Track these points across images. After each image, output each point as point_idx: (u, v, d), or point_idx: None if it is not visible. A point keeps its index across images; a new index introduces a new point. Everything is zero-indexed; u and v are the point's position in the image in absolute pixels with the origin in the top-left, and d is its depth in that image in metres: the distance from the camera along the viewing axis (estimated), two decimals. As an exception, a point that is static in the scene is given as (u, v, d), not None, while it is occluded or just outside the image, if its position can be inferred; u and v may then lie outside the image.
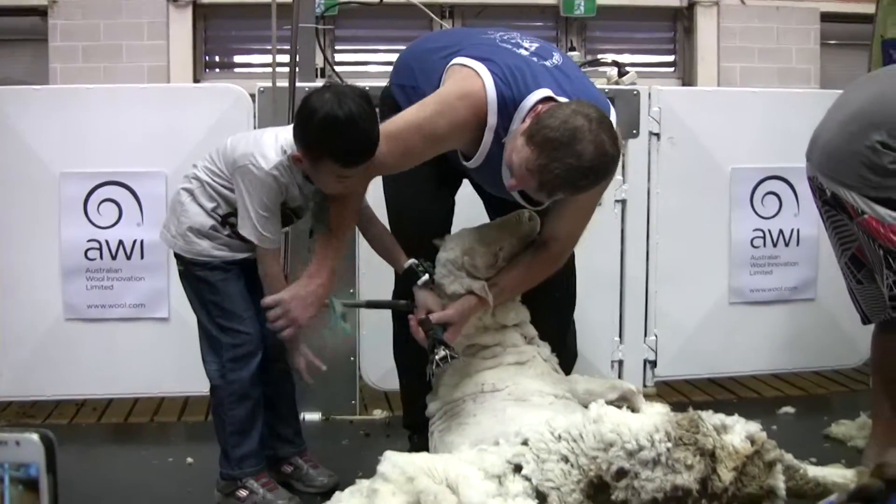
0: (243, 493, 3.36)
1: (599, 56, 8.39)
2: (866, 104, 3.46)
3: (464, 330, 3.42)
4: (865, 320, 3.69)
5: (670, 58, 9.07)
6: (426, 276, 3.41)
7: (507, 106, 3.16)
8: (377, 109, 3.29)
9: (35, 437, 0.82)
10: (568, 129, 2.96)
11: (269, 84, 4.36)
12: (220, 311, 3.36)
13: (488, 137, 3.22)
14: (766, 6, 8.69)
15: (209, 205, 3.31)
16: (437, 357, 3.26)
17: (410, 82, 3.46)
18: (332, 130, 3.05)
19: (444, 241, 3.52)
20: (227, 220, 3.32)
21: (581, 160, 2.95)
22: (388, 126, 3.20)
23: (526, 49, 3.32)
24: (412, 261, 3.43)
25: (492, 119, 3.19)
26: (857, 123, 3.42)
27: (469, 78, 3.20)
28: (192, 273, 3.38)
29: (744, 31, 8.75)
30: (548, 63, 3.28)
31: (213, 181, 3.30)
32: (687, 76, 8.93)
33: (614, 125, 3.12)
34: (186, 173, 3.41)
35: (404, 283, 3.47)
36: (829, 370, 5.07)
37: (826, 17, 8.74)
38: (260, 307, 3.36)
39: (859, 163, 3.39)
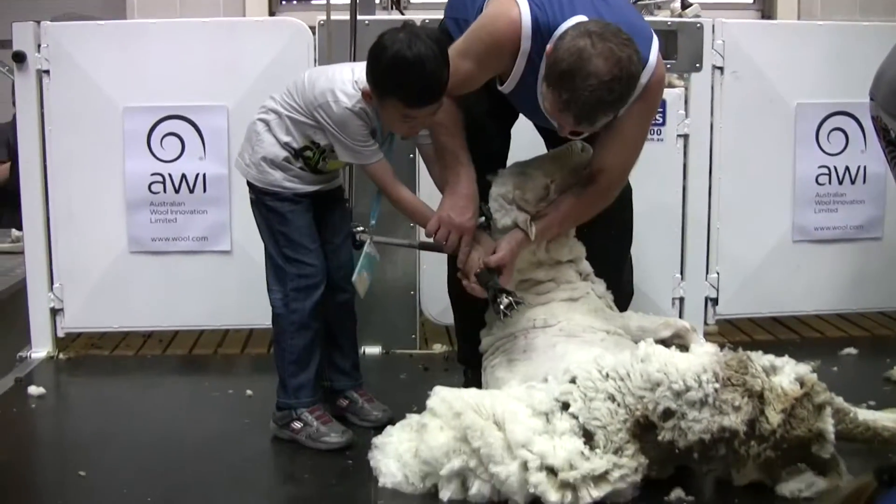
0: (298, 424, 3.42)
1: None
2: None
3: (517, 265, 3.43)
4: None
5: (750, -8, 8.90)
6: (482, 219, 3.41)
7: (542, 31, 3.13)
8: None
9: None
10: (573, 54, 2.94)
11: (329, 16, 4.35)
12: (287, 241, 3.40)
13: (521, 62, 3.20)
14: (853, -66, 8.47)
15: (284, 137, 3.35)
16: (501, 307, 3.26)
17: (462, 15, 3.45)
18: (400, 70, 3.08)
19: (496, 175, 3.51)
20: (301, 153, 3.37)
21: (599, 77, 2.92)
22: None
23: None
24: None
25: (525, 44, 3.17)
26: None
27: (506, 3, 3.19)
28: (263, 202, 3.43)
29: (827, -39, 8.56)
30: None
31: (291, 114, 3.33)
32: (767, 9, 8.74)
33: (651, 47, 3.13)
34: (263, 103, 3.43)
35: None
36: (895, 310, 4.99)
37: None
38: (326, 239, 3.46)
39: None
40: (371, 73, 3.16)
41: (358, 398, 3.63)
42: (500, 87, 3.33)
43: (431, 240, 3.47)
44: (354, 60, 4.13)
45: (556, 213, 3.42)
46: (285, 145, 3.35)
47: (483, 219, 3.42)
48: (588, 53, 2.93)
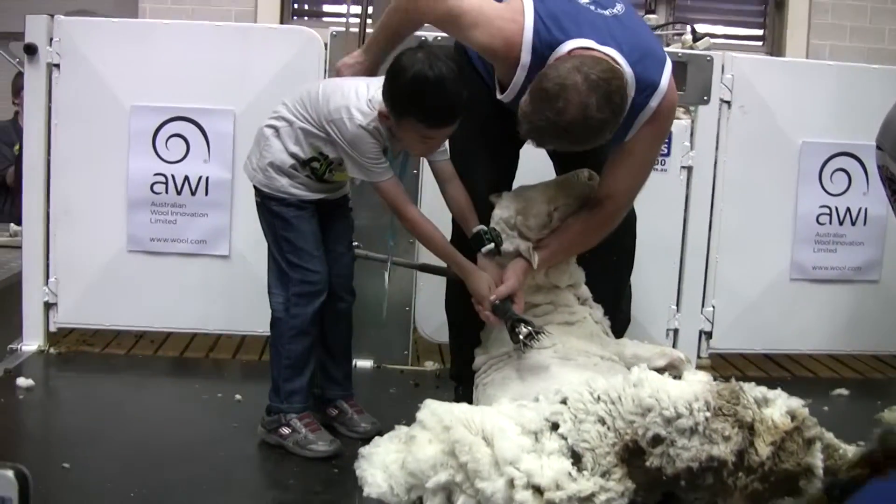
0: (286, 430, 3.41)
1: (695, 28, 8.31)
2: None
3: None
4: None
5: (759, 31, 8.93)
6: (491, 245, 3.41)
7: (542, 48, 3.15)
8: None
9: (10, 473, 0.84)
10: (559, 83, 2.96)
11: (342, 28, 4.36)
12: (291, 247, 3.41)
13: (520, 75, 3.22)
14: (862, -18, 8.52)
15: (292, 147, 3.36)
16: (521, 337, 3.25)
17: None
18: (420, 90, 3.10)
19: (500, 197, 3.52)
20: (308, 163, 3.38)
21: (560, 117, 2.95)
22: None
23: None
24: (481, 227, 3.43)
25: (525, 57, 3.19)
26: None
27: (514, 13, 3.21)
28: (268, 207, 3.43)
29: (836, 8, 8.57)
30: (606, 12, 3.25)
31: (302, 125, 3.34)
32: (775, 51, 8.77)
33: (628, 85, 3.10)
34: (275, 108, 3.44)
35: (471, 246, 3.45)
36: (889, 355, 4.99)
37: (923, -2, 8.54)
38: (328, 247, 3.48)
39: None
40: (390, 93, 3.18)
41: (348, 408, 3.62)
42: (499, 96, 3.34)
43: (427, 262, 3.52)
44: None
45: (560, 241, 3.43)
46: (293, 154, 3.36)
47: (492, 245, 3.41)
48: (569, 93, 2.95)
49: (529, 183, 3.59)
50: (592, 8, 3.25)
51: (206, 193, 4.44)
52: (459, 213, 3.50)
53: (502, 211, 3.47)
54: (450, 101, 3.13)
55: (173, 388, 4.20)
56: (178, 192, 4.43)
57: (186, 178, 4.43)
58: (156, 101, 4.40)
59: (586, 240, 3.48)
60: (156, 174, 4.42)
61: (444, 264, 3.56)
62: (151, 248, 4.48)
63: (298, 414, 3.42)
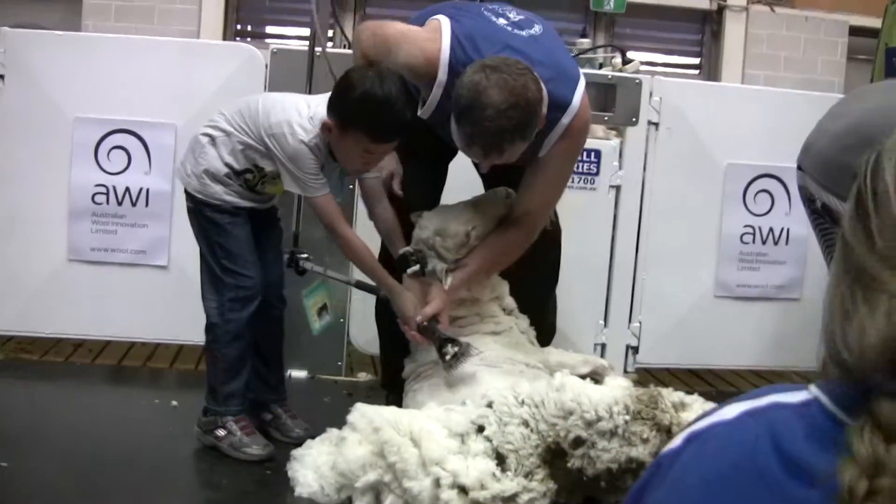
0: (221, 432, 3.49)
1: (625, 52, 8.45)
2: (864, 118, 3.41)
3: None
4: None
5: (696, 60, 9.09)
6: (416, 266, 3.51)
7: (458, 66, 3.26)
8: None
9: None
10: (470, 89, 3.09)
11: (283, 46, 4.46)
12: (225, 252, 3.49)
13: (437, 92, 3.34)
14: (796, 15, 8.69)
15: (227, 157, 3.44)
16: (447, 357, 3.36)
17: None
18: (370, 105, 3.22)
19: (420, 217, 3.63)
20: (243, 174, 3.46)
21: (496, 106, 3.06)
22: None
23: (507, 19, 3.43)
24: (407, 249, 3.55)
25: (441, 75, 3.32)
26: (855, 137, 3.36)
27: (432, 33, 3.35)
28: (202, 213, 3.51)
29: (771, 39, 8.75)
30: (524, 33, 3.38)
31: (241, 137, 3.42)
32: (711, 80, 8.94)
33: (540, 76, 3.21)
34: (212, 117, 3.53)
35: (397, 267, 3.56)
36: (810, 371, 5.12)
37: (855, 31, 8.72)
38: (263, 252, 3.56)
39: (854, 175, 3.35)
40: (338, 106, 3.28)
41: (282, 413, 3.71)
42: (419, 113, 3.44)
43: (367, 280, 3.63)
44: (310, 90, 4.25)
45: (479, 260, 3.54)
46: (227, 164, 3.44)
47: (417, 266, 3.52)
48: (483, 86, 3.08)
49: (458, 195, 3.72)
50: (509, 29, 3.38)
51: (147, 205, 4.50)
52: (386, 233, 3.63)
53: (421, 231, 3.58)
54: (396, 118, 3.25)
55: (111, 395, 4.26)
56: (119, 203, 4.49)
57: (127, 189, 4.49)
58: (99, 113, 4.47)
59: (505, 257, 3.60)
60: (97, 185, 4.48)
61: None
62: (92, 257, 4.52)
63: (235, 417, 3.49)
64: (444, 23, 3.35)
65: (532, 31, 3.41)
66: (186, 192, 3.55)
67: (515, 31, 3.38)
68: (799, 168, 3.65)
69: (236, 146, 3.43)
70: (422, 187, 3.71)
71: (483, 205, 3.64)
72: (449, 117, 3.28)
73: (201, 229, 3.54)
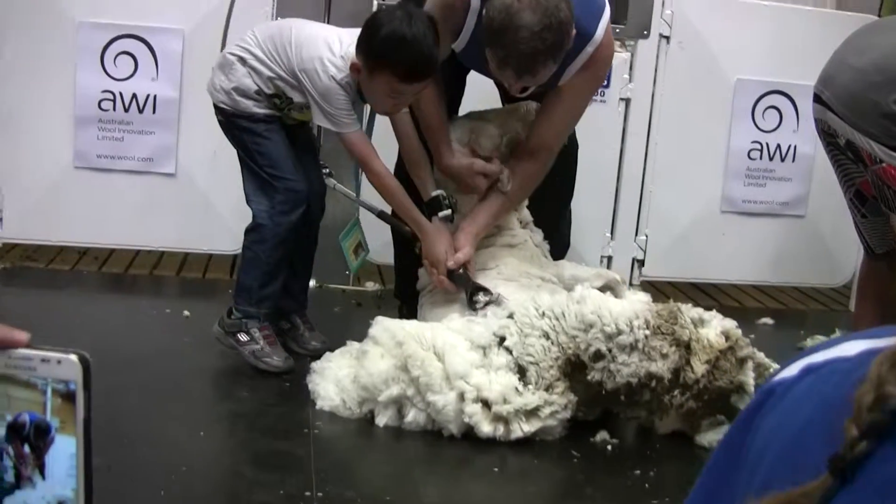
0: (244, 337, 3.48)
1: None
2: (892, 56, 3.33)
3: (463, 209, 3.55)
4: (870, 252, 3.67)
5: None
6: (448, 211, 3.51)
7: None
8: None
9: (74, 357, 0.94)
10: (502, 11, 3.06)
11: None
12: (266, 159, 3.47)
13: (471, 20, 3.31)
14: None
15: (257, 79, 3.41)
16: (479, 306, 3.35)
17: None
18: (397, 45, 3.17)
19: (452, 121, 3.62)
20: (271, 98, 3.44)
21: (530, 28, 3.03)
22: None
23: None
24: (440, 192, 3.53)
25: (475, 2, 3.28)
26: (883, 75, 3.30)
27: None
28: (235, 124, 3.49)
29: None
30: None
31: (272, 66, 3.39)
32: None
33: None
34: (243, 38, 3.50)
35: (428, 209, 3.54)
36: (811, 288, 5.19)
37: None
38: (301, 160, 3.53)
39: (881, 113, 3.27)
40: (366, 46, 3.24)
41: (300, 324, 3.71)
42: (453, 45, 3.42)
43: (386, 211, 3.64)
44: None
45: (500, 201, 3.54)
46: (257, 84, 3.41)
47: (449, 211, 3.51)
48: (515, 8, 3.04)
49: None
50: None
51: (154, 111, 4.45)
52: (415, 169, 3.58)
53: (455, 132, 3.56)
54: (425, 56, 3.21)
55: (121, 305, 4.26)
56: (126, 110, 4.43)
57: (135, 95, 4.43)
58: (104, 17, 4.39)
59: (522, 191, 3.60)
60: (104, 91, 4.41)
61: None
62: (98, 164, 4.48)
63: (261, 322, 3.49)
64: None
65: None
66: (216, 106, 3.50)
67: None
68: (817, 101, 3.52)
69: (265, 72, 3.40)
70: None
71: (514, 114, 3.64)
72: (481, 47, 3.24)
73: (237, 140, 3.52)
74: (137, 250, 4.75)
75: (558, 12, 3.06)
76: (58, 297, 4.28)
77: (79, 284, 4.41)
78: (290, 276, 3.66)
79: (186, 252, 4.74)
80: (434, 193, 3.53)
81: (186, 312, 4.00)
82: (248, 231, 3.55)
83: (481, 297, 3.37)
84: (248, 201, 3.55)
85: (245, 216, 3.61)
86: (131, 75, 4.43)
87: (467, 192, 3.56)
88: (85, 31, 4.38)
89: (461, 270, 3.45)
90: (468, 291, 3.41)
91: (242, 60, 3.43)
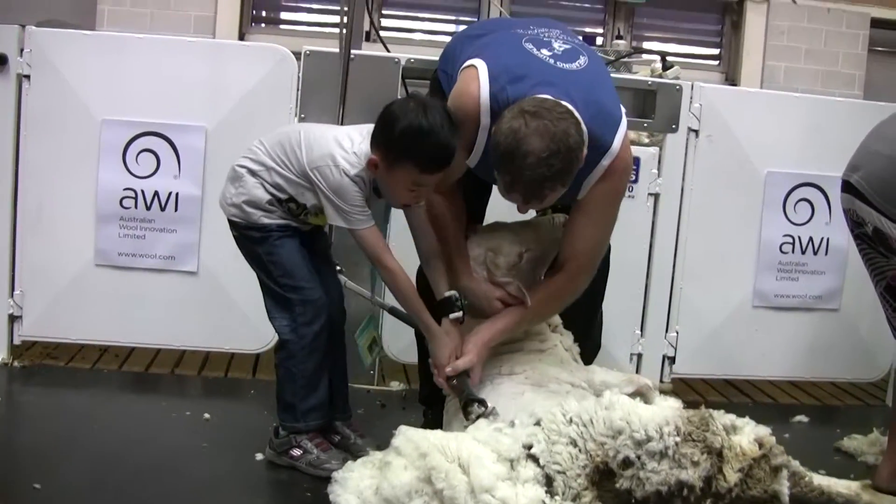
0: (297, 451, 3.44)
1: (645, 45, 8.37)
2: None
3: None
4: None
5: (716, 51, 9.00)
6: (459, 313, 3.43)
7: (500, 108, 3.16)
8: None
9: None
10: (508, 135, 2.99)
11: (315, 47, 4.37)
12: (281, 270, 3.43)
13: (482, 137, 3.25)
14: (817, 7, 8.59)
15: (270, 188, 3.38)
16: (472, 418, 3.24)
17: (450, 69, 3.49)
18: (417, 136, 3.15)
19: (473, 232, 3.55)
20: (286, 203, 3.40)
21: (536, 154, 2.96)
22: None
23: (550, 49, 3.32)
24: (453, 292, 3.45)
25: (484, 119, 3.23)
26: None
27: (469, 80, 3.26)
28: (248, 237, 3.45)
29: (792, 31, 8.66)
30: (566, 66, 3.27)
31: (281, 171, 3.36)
32: (731, 71, 8.85)
33: (577, 114, 3.10)
34: (250, 148, 3.46)
35: (438, 310, 3.45)
36: (847, 382, 5.07)
37: (876, 23, 8.63)
38: (317, 266, 3.49)
39: None
40: (384, 140, 3.22)
41: (350, 434, 3.65)
42: (467, 161, 3.36)
43: (399, 307, 3.56)
44: (345, 91, 4.21)
45: (522, 311, 3.43)
46: (270, 193, 3.38)
47: (461, 313, 3.43)
48: (522, 133, 2.97)
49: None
50: (552, 62, 3.27)
51: (176, 209, 4.42)
52: (430, 270, 3.50)
53: (472, 249, 3.50)
54: (444, 145, 3.18)
55: (141, 405, 4.16)
56: (148, 208, 4.40)
57: (156, 193, 4.40)
58: (127, 115, 4.38)
59: (552, 304, 3.50)
60: (126, 188, 4.39)
61: None
62: (119, 262, 4.44)
63: (309, 434, 3.45)
64: (479, 68, 3.25)
65: (575, 65, 3.29)
66: (230, 221, 3.48)
67: (558, 63, 3.27)
68: (846, 190, 3.47)
69: (277, 180, 3.37)
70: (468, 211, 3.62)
71: (537, 228, 3.57)
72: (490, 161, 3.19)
73: (251, 254, 3.48)
74: (159, 349, 4.67)
75: (567, 138, 2.99)
76: (77, 396, 4.19)
77: (99, 383, 4.34)
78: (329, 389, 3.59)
79: (208, 351, 4.67)
80: (446, 294, 3.44)
81: (206, 415, 3.92)
82: (276, 349, 3.52)
83: (475, 409, 3.25)
84: (270, 319, 3.50)
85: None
86: (153, 173, 4.40)
87: (480, 318, 3.47)
88: (107, 129, 4.37)
89: (462, 378, 3.35)
90: (461, 401, 3.31)
91: (252, 172, 3.40)
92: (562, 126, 2.99)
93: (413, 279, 3.51)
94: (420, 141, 3.14)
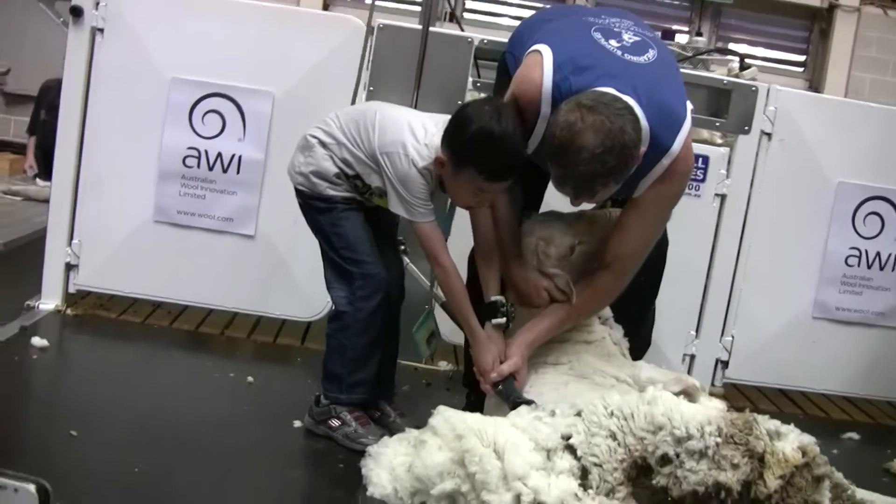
0: (335, 422, 3.44)
1: (730, 46, 8.26)
2: None
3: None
4: None
5: (801, 58, 8.88)
6: (503, 319, 3.38)
7: (562, 99, 3.08)
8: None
9: (32, 488, 0.84)
10: (564, 129, 2.93)
11: (388, 21, 4.33)
12: (344, 242, 3.42)
13: (540, 126, 3.17)
14: (909, 19, 8.45)
15: (339, 163, 3.37)
16: None
17: (517, 53, 3.43)
18: (486, 142, 3.10)
19: (527, 218, 3.50)
20: (353, 179, 3.39)
21: (590, 150, 2.90)
22: None
23: (619, 41, 3.24)
24: (499, 297, 3.40)
25: (545, 108, 3.15)
26: None
27: (533, 66, 3.18)
28: (314, 207, 3.44)
29: (881, 42, 8.52)
30: (634, 59, 3.18)
31: (352, 149, 3.35)
32: (815, 79, 8.73)
33: (638, 110, 3.03)
34: (324, 119, 3.44)
35: (484, 313, 3.41)
36: (904, 401, 4.97)
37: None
38: (382, 245, 3.48)
39: None
40: (453, 141, 3.18)
41: (390, 411, 3.63)
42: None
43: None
44: (421, 67, 4.18)
45: (565, 309, 3.39)
46: (338, 167, 3.37)
47: (504, 319, 3.38)
48: (578, 127, 2.91)
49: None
50: (619, 54, 3.19)
51: (238, 172, 4.43)
52: (484, 269, 3.45)
53: (525, 236, 3.45)
54: (512, 155, 3.13)
55: (186, 364, 4.19)
56: (210, 168, 4.42)
57: (220, 154, 4.42)
58: (196, 75, 4.40)
59: (595, 304, 3.44)
60: (189, 147, 4.41)
61: None
62: (178, 220, 4.47)
63: (350, 407, 3.44)
64: (545, 55, 3.17)
65: (643, 58, 3.20)
66: (296, 189, 3.47)
67: (626, 56, 3.18)
68: None
69: (346, 156, 3.35)
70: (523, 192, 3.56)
71: (592, 221, 3.49)
72: None
73: (315, 223, 3.47)
74: (211, 309, 4.69)
75: (622, 135, 2.92)
76: (125, 348, 4.24)
77: (148, 338, 4.37)
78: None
79: (260, 315, 4.67)
80: (493, 298, 3.39)
81: (250, 378, 3.93)
82: (330, 319, 3.51)
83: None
84: (328, 289, 3.49)
85: (321, 284, 3.56)
86: (218, 134, 4.42)
87: (526, 306, 3.42)
88: (176, 88, 4.39)
89: (508, 382, 3.29)
90: (510, 406, 3.24)
91: (322, 144, 3.38)
92: (618, 122, 2.93)
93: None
94: (489, 146, 3.09)
